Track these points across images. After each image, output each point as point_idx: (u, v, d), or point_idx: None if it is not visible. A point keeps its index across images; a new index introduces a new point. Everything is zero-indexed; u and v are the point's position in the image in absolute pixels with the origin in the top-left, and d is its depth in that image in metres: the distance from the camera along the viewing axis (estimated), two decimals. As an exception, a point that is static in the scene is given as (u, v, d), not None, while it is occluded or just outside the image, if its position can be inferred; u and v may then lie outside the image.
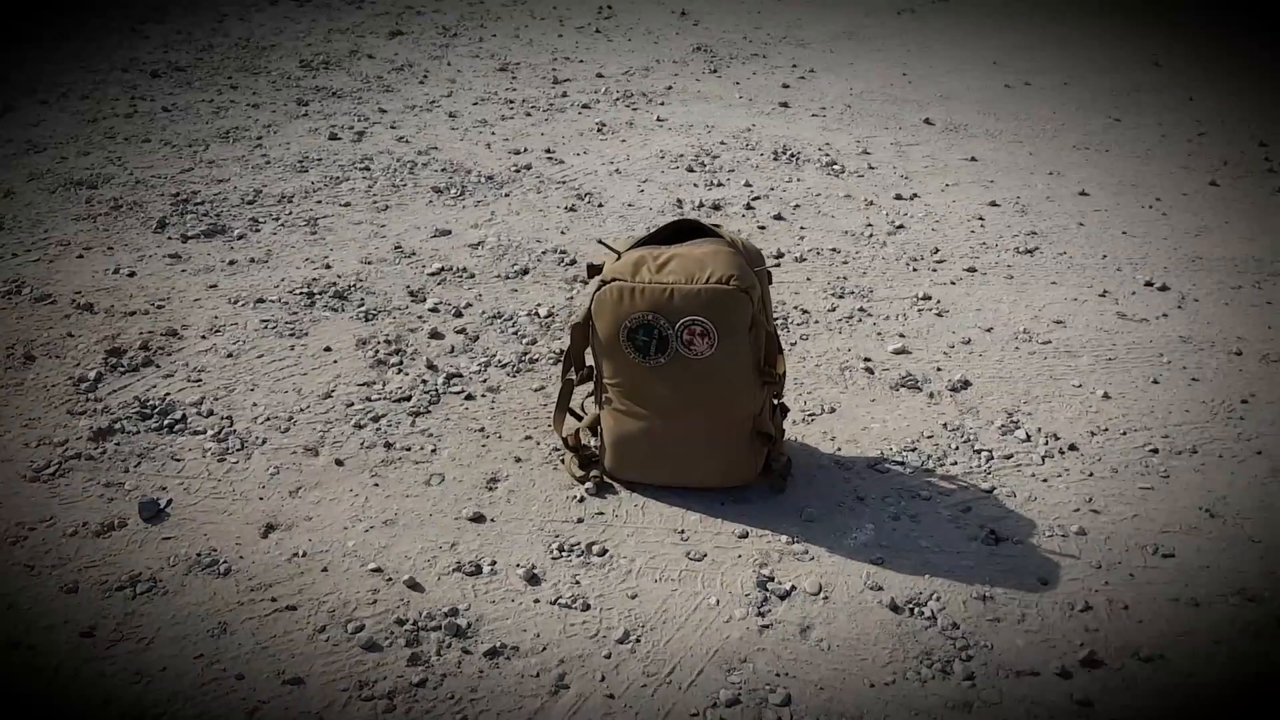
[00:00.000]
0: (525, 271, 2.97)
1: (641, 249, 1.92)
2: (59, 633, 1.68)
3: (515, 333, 2.64)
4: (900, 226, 3.34)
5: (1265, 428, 2.31)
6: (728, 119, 4.38)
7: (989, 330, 2.71)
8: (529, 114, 4.37)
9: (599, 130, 4.18)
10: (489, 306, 2.77)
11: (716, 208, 3.45)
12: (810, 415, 2.33)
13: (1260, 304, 2.89)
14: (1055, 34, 6.00)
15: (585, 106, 4.50)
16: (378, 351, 2.53)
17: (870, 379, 2.48)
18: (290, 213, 3.32)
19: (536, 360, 2.52)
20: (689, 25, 6.03)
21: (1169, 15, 6.47)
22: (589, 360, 2.03)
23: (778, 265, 3.03)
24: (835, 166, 3.84)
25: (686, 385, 1.90)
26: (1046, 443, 2.24)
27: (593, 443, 2.11)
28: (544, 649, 1.68)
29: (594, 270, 1.96)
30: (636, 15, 6.21)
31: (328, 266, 2.96)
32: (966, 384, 2.46)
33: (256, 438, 2.19)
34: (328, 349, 2.54)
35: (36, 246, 3.03)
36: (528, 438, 2.22)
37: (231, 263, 2.97)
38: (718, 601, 1.78)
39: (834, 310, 2.80)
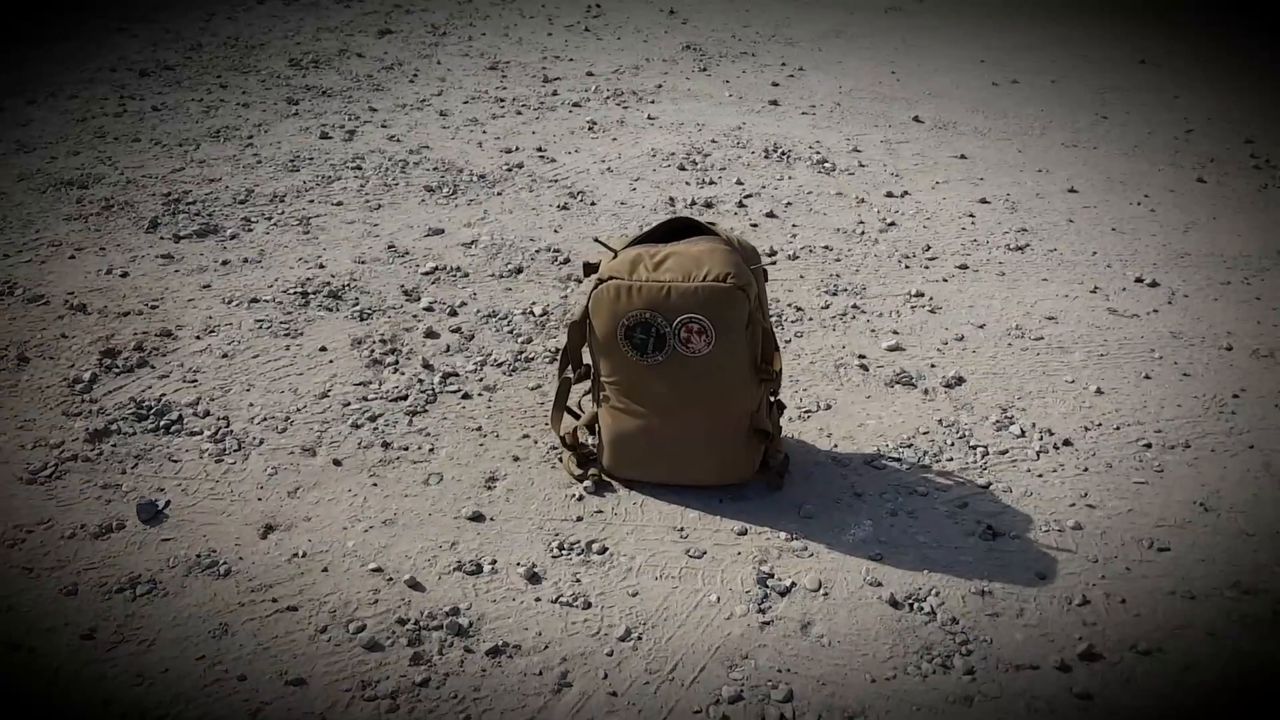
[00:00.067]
0: (519, 270, 2.97)
1: (638, 247, 1.92)
2: (60, 635, 1.67)
3: (510, 331, 2.65)
4: (892, 224, 3.35)
5: (1256, 422, 2.34)
6: (718, 117, 4.39)
7: (981, 327, 2.73)
8: (520, 113, 4.37)
9: (590, 129, 4.19)
10: (484, 305, 2.77)
11: (709, 206, 3.45)
12: (806, 412, 2.34)
13: (1249, 299, 2.92)
14: (1042, 33, 6.03)
15: (576, 105, 4.50)
16: (373, 351, 2.52)
17: (865, 376, 2.49)
18: (283, 212, 3.31)
19: (532, 359, 2.53)
20: (678, 24, 6.04)
21: (1155, 14, 6.51)
22: (586, 358, 2.03)
23: (773, 263, 3.04)
24: (826, 164, 3.85)
25: (684, 383, 1.90)
26: (1041, 438, 2.26)
27: (590, 441, 2.11)
28: (546, 647, 1.68)
29: (590, 268, 1.96)
30: (625, 14, 6.22)
31: (321, 266, 2.95)
32: (960, 380, 2.47)
33: (253, 438, 2.19)
34: (323, 349, 2.54)
35: (28, 247, 3.01)
36: (525, 436, 2.22)
37: (225, 263, 2.96)
38: (718, 598, 1.79)
39: (828, 308, 2.81)
